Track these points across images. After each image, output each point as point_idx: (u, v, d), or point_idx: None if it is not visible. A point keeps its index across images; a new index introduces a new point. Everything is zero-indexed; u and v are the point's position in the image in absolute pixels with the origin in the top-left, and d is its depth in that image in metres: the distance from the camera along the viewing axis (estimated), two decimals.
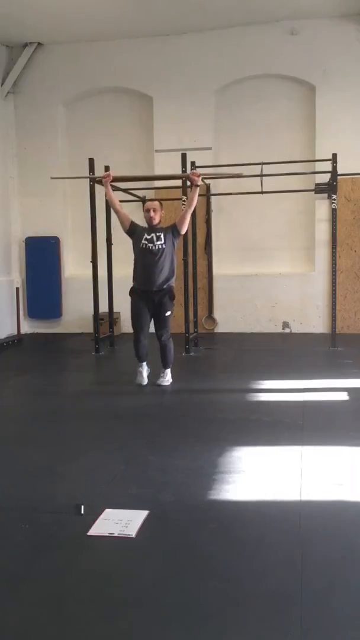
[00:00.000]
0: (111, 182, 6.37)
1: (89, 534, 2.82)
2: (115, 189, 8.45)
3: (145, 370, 5.96)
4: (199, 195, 8.78)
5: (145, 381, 5.92)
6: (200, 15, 8.72)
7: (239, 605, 2.26)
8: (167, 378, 5.89)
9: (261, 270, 9.52)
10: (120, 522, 2.91)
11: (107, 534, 2.81)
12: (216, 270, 9.63)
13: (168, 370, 5.92)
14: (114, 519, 2.94)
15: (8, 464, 3.87)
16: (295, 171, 8.35)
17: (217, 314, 9.67)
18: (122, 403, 5.44)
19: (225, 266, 9.68)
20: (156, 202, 5.99)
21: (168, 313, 5.86)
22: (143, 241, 5.78)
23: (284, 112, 9.42)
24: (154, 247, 5.74)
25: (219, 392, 5.84)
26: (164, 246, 5.76)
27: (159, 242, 5.75)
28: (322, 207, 9.03)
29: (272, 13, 8.76)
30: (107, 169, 8.19)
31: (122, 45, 9.54)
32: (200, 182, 5.97)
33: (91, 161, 7.76)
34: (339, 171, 7.93)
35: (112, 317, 8.61)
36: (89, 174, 7.73)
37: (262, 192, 8.14)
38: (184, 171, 7.53)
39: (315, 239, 9.25)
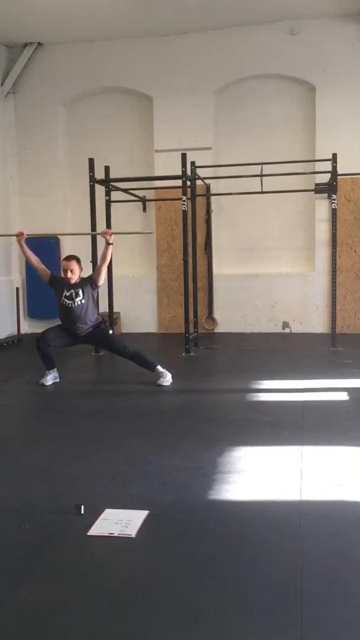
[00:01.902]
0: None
1: (89, 534, 2.82)
2: (116, 189, 8.49)
3: (51, 375, 6.03)
4: (199, 195, 8.87)
5: (50, 383, 5.98)
6: (200, 15, 8.72)
7: (239, 605, 2.26)
8: (167, 377, 5.88)
9: (261, 270, 9.52)
10: (120, 522, 2.91)
11: (107, 534, 2.81)
12: (216, 270, 9.63)
13: (160, 368, 5.91)
14: (114, 519, 2.94)
15: (8, 464, 3.87)
16: (295, 171, 8.35)
17: (217, 314, 9.67)
18: (122, 403, 5.43)
19: (225, 266, 9.68)
20: (73, 262, 5.99)
21: (110, 332, 6.18)
22: (63, 298, 5.93)
23: (284, 112, 9.42)
24: (73, 304, 5.91)
25: (219, 392, 5.84)
26: (83, 301, 5.93)
27: (78, 299, 5.91)
28: (322, 207, 9.03)
29: (272, 13, 8.76)
30: (107, 169, 8.22)
31: (122, 45, 9.55)
32: (112, 241, 6.05)
33: (91, 161, 7.76)
34: (339, 171, 7.93)
35: (112, 317, 8.61)
36: (89, 174, 7.72)
37: (262, 192, 8.15)
38: (183, 171, 7.53)
39: (315, 239, 9.25)
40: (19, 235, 6.26)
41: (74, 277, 5.94)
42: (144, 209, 9.78)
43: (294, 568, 2.49)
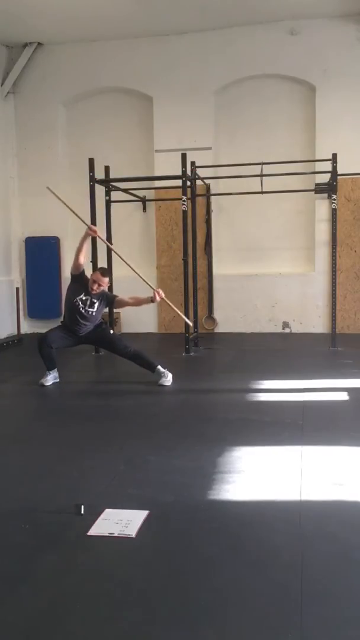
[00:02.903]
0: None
1: (89, 534, 2.82)
2: (116, 189, 8.49)
3: (51, 375, 6.01)
4: (199, 195, 8.86)
5: (49, 383, 5.97)
6: (200, 15, 8.72)
7: (239, 605, 2.26)
8: (168, 377, 5.88)
9: (261, 270, 9.52)
10: (120, 522, 2.91)
11: (107, 534, 2.81)
12: (216, 270, 9.63)
13: (161, 368, 5.91)
14: (114, 519, 2.94)
15: (8, 464, 3.87)
16: (295, 171, 8.36)
17: (217, 314, 9.67)
18: (122, 403, 5.43)
19: (225, 266, 9.68)
20: (106, 280, 5.97)
21: (111, 332, 6.19)
22: (77, 300, 5.93)
23: (284, 112, 9.41)
24: (84, 311, 5.94)
25: (219, 392, 5.84)
26: (94, 314, 5.98)
27: (91, 310, 5.96)
28: (322, 207, 9.03)
29: (272, 13, 8.76)
30: (107, 169, 8.23)
31: (122, 45, 9.55)
32: (158, 299, 6.03)
33: (91, 161, 7.76)
34: (339, 171, 7.93)
35: (112, 317, 8.60)
36: (89, 174, 7.71)
37: (262, 192, 8.15)
38: (183, 171, 7.53)
39: (315, 239, 9.25)
40: (95, 231, 6.22)
41: (97, 291, 5.94)
42: (144, 209, 9.78)
43: (294, 568, 2.49)
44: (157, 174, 9.15)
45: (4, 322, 9.47)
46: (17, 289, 9.73)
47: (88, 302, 5.93)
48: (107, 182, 8.25)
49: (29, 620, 2.21)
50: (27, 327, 10.03)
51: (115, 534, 2.80)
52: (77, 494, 3.28)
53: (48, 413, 5.20)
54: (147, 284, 6.40)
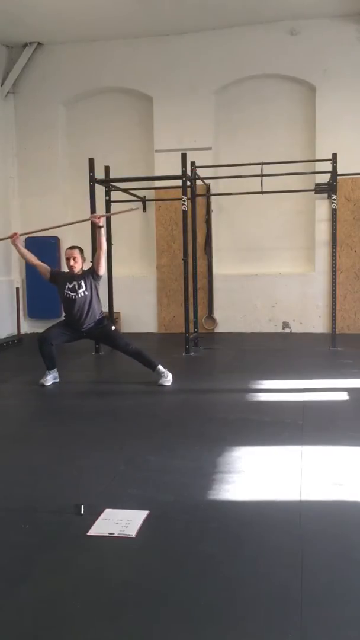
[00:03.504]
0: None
1: (89, 534, 2.82)
2: (116, 189, 8.49)
3: (51, 375, 6.01)
4: (199, 195, 8.86)
5: (49, 383, 5.97)
6: (200, 15, 8.72)
7: (239, 605, 2.26)
8: (168, 377, 5.87)
9: (261, 270, 9.52)
10: (120, 522, 2.91)
11: (107, 534, 2.81)
12: (216, 270, 9.63)
13: (162, 368, 5.91)
14: (114, 519, 2.94)
15: (8, 464, 3.87)
16: (295, 171, 8.36)
17: (217, 314, 9.67)
18: (122, 403, 5.43)
19: (225, 266, 9.68)
20: (76, 251, 6.04)
21: (113, 328, 6.15)
22: (66, 291, 5.95)
23: (284, 112, 9.42)
24: (76, 296, 5.92)
25: (219, 392, 5.84)
26: (86, 293, 5.95)
27: (81, 290, 5.93)
28: (322, 207, 9.03)
29: (272, 13, 8.76)
30: (107, 169, 8.22)
31: (122, 45, 9.55)
32: (101, 224, 6.08)
33: (91, 161, 7.76)
34: (339, 171, 7.93)
35: (112, 317, 8.61)
36: (89, 174, 7.71)
37: (262, 192, 8.15)
38: (183, 171, 7.53)
39: (315, 239, 9.25)
40: (12, 236, 6.27)
41: (77, 266, 5.96)
42: (144, 209, 9.77)
43: (294, 568, 2.49)
44: (157, 174, 9.15)
45: (4, 322, 9.47)
46: (17, 289, 9.73)
47: (76, 286, 5.93)
48: (107, 182, 8.25)
49: (29, 620, 2.21)
50: (27, 327, 10.03)
51: (115, 534, 2.80)
52: (77, 494, 3.28)
53: (48, 413, 5.20)
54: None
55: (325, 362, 7.14)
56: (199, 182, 8.71)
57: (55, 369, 6.06)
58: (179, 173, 7.56)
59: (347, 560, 2.57)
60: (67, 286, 5.95)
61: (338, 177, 7.98)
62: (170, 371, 5.94)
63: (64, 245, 10.01)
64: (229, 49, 9.26)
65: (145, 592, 2.36)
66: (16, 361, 8.03)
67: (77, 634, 2.13)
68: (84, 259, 6.09)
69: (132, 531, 2.82)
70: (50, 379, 5.99)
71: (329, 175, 8.05)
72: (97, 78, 9.77)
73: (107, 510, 3.03)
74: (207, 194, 9.35)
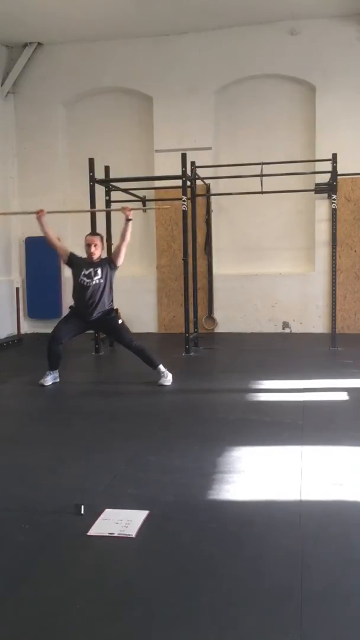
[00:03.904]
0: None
1: (89, 534, 2.82)
2: (116, 189, 8.48)
3: (51, 376, 5.99)
4: (199, 195, 8.86)
5: (49, 383, 5.95)
6: (200, 15, 8.72)
7: (239, 605, 2.26)
8: (168, 377, 5.88)
9: (261, 270, 9.52)
10: (120, 522, 2.91)
11: (107, 534, 2.81)
12: (216, 270, 9.63)
13: (162, 367, 5.91)
14: (114, 519, 2.94)
15: (8, 464, 3.87)
16: (295, 171, 8.36)
17: (217, 314, 9.67)
18: (122, 403, 5.43)
19: (225, 266, 9.68)
20: (97, 237, 6.06)
21: (120, 321, 6.09)
22: (81, 277, 5.91)
23: (284, 112, 9.42)
24: (91, 283, 5.89)
25: (219, 392, 5.84)
26: (101, 281, 5.92)
27: (96, 278, 5.90)
28: (322, 207, 9.03)
29: (272, 13, 8.77)
30: (107, 169, 8.23)
31: (122, 45, 9.55)
32: (131, 217, 6.04)
33: (91, 161, 7.76)
34: (339, 171, 7.93)
35: None
36: (89, 174, 7.72)
37: (262, 192, 8.15)
38: (184, 171, 7.53)
39: (315, 239, 9.25)
40: (39, 212, 6.25)
41: (97, 253, 5.94)
42: (144, 209, 9.77)
43: (294, 568, 2.49)
44: (157, 174, 9.15)
45: (4, 322, 9.47)
46: (17, 289, 9.73)
47: (92, 273, 5.90)
48: (107, 182, 8.25)
49: (29, 620, 2.21)
50: (27, 327, 10.03)
51: (115, 534, 2.80)
52: (77, 494, 3.28)
53: (48, 413, 5.20)
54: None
55: (325, 362, 7.14)
56: (199, 182, 8.71)
57: (57, 370, 6.05)
58: (179, 173, 7.56)
59: (347, 560, 2.57)
60: (83, 272, 5.90)
61: (338, 177, 7.99)
62: (170, 371, 5.94)
63: (64, 245, 10.01)
64: (229, 49, 9.26)
65: (145, 592, 2.36)
66: (16, 361, 8.03)
67: (77, 634, 2.13)
68: (103, 247, 6.07)
69: (132, 531, 2.82)
70: (50, 379, 5.99)
71: (329, 175, 8.05)
72: (97, 78, 9.77)
73: (107, 510, 3.03)
74: (207, 194, 9.35)
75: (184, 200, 7.56)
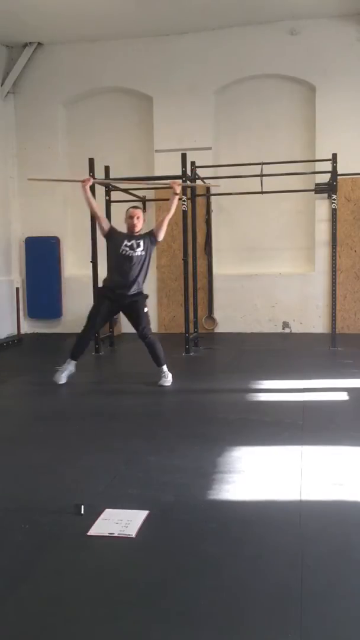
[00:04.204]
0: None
1: (89, 534, 2.82)
2: (116, 188, 8.48)
3: (71, 369, 5.97)
4: (199, 195, 8.86)
5: (64, 381, 5.92)
6: (200, 15, 8.72)
7: (239, 605, 2.26)
8: (168, 378, 5.88)
9: (261, 270, 9.52)
10: (120, 522, 2.91)
11: (107, 534, 2.81)
12: (216, 270, 9.63)
13: (165, 368, 5.91)
14: (114, 519, 2.94)
15: (8, 464, 3.87)
16: (295, 171, 8.35)
17: (217, 314, 9.67)
18: (122, 403, 5.44)
19: (225, 266, 9.68)
20: (140, 210, 6.07)
21: (146, 309, 5.98)
22: (123, 247, 5.85)
23: (284, 112, 9.41)
24: (134, 254, 5.84)
25: (219, 392, 5.84)
26: (143, 253, 5.87)
27: (139, 250, 5.86)
28: (322, 207, 9.03)
29: (272, 13, 8.76)
30: (107, 169, 8.22)
31: (122, 45, 9.54)
32: (179, 191, 6.06)
33: (91, 161, 7.77)
34: (339, 171, 7.93)
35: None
36: (89, 174, 7.72)
37: (262, 192, 8.14)
38: (184, 171, 7.53)
39: (315, 239, 9.25)
40: (85, 180, 6.22)
41: (139, 225, 5.91)
42: (144, 209, 9.77)
43: (294, 568, 2.49)
44: (157, 174, 9.13)
45: (4, 322, 9.47)
46: (17, 289, 9.73)
47: (134, 245, 5.85)
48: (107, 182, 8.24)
49: (29, 620, 2.21)
50: (27, 327, 10.03)
51: (115, 534, 2.81)
52: (77, 494, 3.28)
53: (48, 413, 5.20)
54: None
55: (325, 362, 7.14)
56: (198, 182, 8.70)
57: (75, 363, 6.01)
58: (179, 173, 7.56)
59: (347, 560, 2.57)
60: (124, 243, 5.84)
61: (338, 177, 7.98)
62: (170, 371, 5.94)
63: (64, 245, 10.05)
64: (229, 49, 9.26)
65: (145, 592, 2.36)
66: (16, 361, 8.03)
67: (77, 634, 2.13)
68: (144, 220, 6.05)
69: (132, 531, 2.82)
70: (65, 375, 5.93)
71: (329, 175, 8.05)
72: (97, 78, 9.77)
73: (107, 510, 3.03)
74: (207, 194, 9.35)
75: (184, 200, 7.55)
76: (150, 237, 5.97)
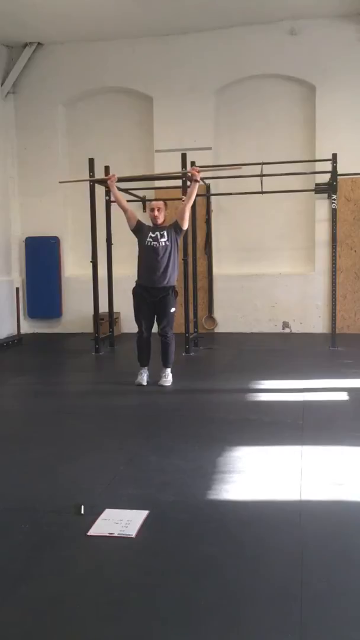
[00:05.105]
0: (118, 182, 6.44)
1: (89, 534, 2.82)
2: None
3: (146, 374, 5.97)
4: (199, 195, 8.82)
5: (145, 382, 5.92)
6: (200, 15, 8.71)
7: (239, 605, 2.26)
8: (169, 378, 5.89)
9: (261, 270, 9.52)
10: (120, 522, 2.91)
11: (107, 534, 2.81)
12: (216, 270, 9.63)
13: (169, 370, 5.93)
14: (114, 519, 2.94)
15: (8, 464, 3.87)
16: (295, 171, 8.35)
17: (217, 314, 9.67)
18: (122, 403, 5.44)
19: (225, 266, 9.68)
20: (161, 202, 6.13)
21: (173, 310, 5.98)
22: (148, 239, 5.92)
23: (284, 112, 9.41)
24: (158, 245, 5.88)
25: (219, 392, 5.84)
26: (167, 243, 5.91)
27: (162, 240, 5.90)
28: (322, 207, 9.02)
29: (272, 13, 8.76)
30: (107, 169, 8.21)
31: (122, 45, 9.54)
32: (199, 178, 6.10)
33: (91, 161, 7.77)
34: (339, 171, 7.92)
35: (112, 317, 8.61)
36: (89, 174, 7.72)
37: (262, 192, 8.13)
38: (184, 172, 7.52)
39: (315, 239, 9.24)
40: (110, 177, 6.43)
41: (161, 217, 5.97)
42: (144, 209, 9.76)
43: (294, 568, 2.49)
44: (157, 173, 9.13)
45: (4, 322, 9.47)
46: (17, 289, 9.73)
47: (158, 236, 5.91)
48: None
49: (29, 620, 2.21)
50: (27, 327, 10.03)
51: (115, 534, 2.81)
52: (77, 494, 3.28)
53: (48, 413, 5.20)
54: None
55: (325, 362, 7.14)
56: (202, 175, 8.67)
57: (146, 367, 6.00)
58: (179, 173, 7.55)
59: (347, 560, 2.57)
60: (149, 235, 5.92)
61: (338, 177, 7.98)
62: (170, 371, 5.95)
63: (64, 245, 10.05)
64: (229, 49, 9.26)
65: (145, 592, 2.36)
66: (16, 361, 8.03)
67: (77, 634, 2.13)
68: (167, 213, 6.10)
69: (132, 531, 2.82)
70: (145, 377, 5.92)
71: (329, 175, 8.05)
72: (97, 78, 9.77)
73: (107, 510, 3.03)
74: (207, 194, 9.35)
75: (184, 200, 7.54)
76: (174, 227, 6.01)
